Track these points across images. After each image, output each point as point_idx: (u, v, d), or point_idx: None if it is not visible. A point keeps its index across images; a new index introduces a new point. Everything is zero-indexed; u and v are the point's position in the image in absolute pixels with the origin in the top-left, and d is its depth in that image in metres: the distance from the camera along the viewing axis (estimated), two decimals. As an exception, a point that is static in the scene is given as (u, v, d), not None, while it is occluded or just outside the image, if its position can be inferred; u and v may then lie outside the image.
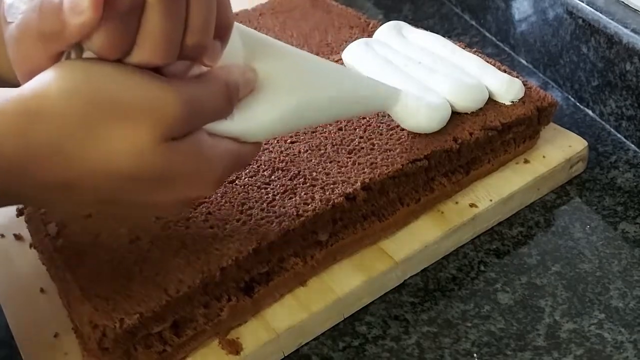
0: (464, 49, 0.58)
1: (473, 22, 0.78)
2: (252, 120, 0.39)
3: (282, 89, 0.40)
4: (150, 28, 0.33)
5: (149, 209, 0.38)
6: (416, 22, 0.76)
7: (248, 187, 0.48)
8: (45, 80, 0.33)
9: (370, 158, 0.50)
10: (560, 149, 0.57)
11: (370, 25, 0.65)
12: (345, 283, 0.48)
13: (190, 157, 0.36)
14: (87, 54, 0.34)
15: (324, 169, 0.49)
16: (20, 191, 0.34)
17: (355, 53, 0.58)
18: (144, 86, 0.34)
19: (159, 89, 0.34)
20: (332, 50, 0.63)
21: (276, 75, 0.40)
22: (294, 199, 0.47)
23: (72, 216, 0.47)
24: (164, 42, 0.33)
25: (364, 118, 0.54)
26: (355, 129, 0.53)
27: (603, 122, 0.63)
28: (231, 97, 0.38)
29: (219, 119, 0.38)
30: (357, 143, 0.52)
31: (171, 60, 0.34)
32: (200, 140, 0.36)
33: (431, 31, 0.61)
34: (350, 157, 0.50)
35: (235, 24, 0.38)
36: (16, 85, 0.34)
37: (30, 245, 0.50)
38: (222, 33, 0.37)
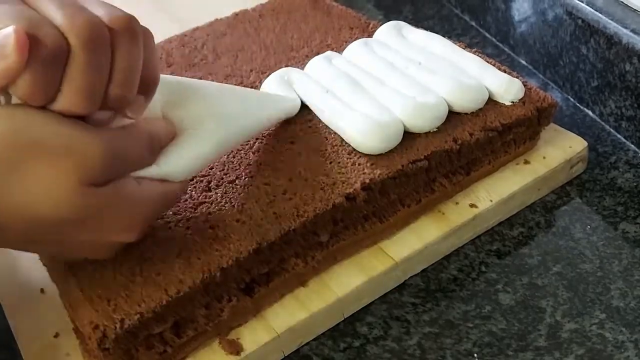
0: (464, 49, 0.58)
1: (473, 23, 0.78)
2: (176, 163, 0.41)
3: (199, 130, 0.43)
4: (73, 77, 0.34)
5: (77, 249, 0.39)
6: (416, 23, 0.76)
7: (248, 187, 0.48)
8: None
9: (370, 158, 0.50)
10: (560, 150, 0.57)
11: (371, 26, 0.65)
12: (346, 283, 0.48)
13: (112, 201, 0.37)
14: (14, 99, 0.35)
15: (324, 170, 0.49)
16: None
17: (355, 53, 0.58)
18: (66, 132, 0.35)
19: (81, 135, 0.35)
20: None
21: (192, 118, 0.43)
22: (294, 199, 0.47)
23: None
24: (86, 91, 0.34)
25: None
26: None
27: (603, 123, 0.63)
28: (153, 147, 0.40)
29: (142, 168, 0.39)
30: (357, 143, 0.51)
31: (93, 110, 0.36)
32: (123, 185, 0.37)
33: (431, 32, 0.61)
34: (350, 158, 0.50)
35: None
36: None
37: (31, 246, 0.50)
38: (146, 88, 0.38)
